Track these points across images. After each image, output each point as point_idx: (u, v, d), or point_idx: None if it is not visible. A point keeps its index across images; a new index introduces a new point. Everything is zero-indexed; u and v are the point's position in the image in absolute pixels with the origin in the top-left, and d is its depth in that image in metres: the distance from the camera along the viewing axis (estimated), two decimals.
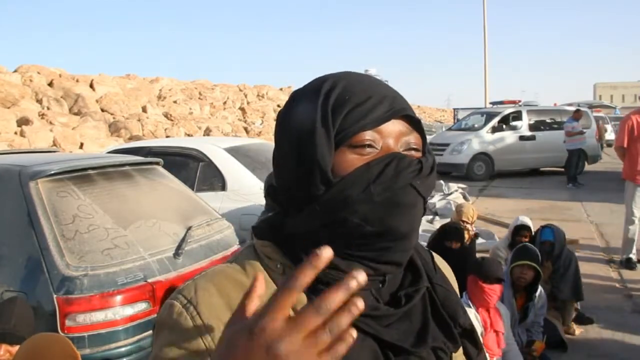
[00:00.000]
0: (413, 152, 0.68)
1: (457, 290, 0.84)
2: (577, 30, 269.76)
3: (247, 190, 4.53)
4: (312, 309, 0.43)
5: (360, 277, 0.44)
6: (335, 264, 0.64)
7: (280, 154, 0.70)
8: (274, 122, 0.74)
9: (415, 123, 0.69)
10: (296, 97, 0.71)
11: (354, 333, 0.60)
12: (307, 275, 0.43)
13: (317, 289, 0.63)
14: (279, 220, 0.70)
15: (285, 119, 0.70)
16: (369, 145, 0.65)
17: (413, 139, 0.68)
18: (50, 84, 15.44)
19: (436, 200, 8.05)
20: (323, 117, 0.65)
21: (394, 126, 0.66)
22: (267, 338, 0.43)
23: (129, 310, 2.39)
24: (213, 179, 4.80)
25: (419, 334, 0.67)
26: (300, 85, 0.74)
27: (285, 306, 0.43)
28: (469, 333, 0.73)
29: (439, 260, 0.84)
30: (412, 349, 0.66)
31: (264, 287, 0.52)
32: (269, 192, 0.73)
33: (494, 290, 2.92)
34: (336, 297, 0.43)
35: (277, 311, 0.43)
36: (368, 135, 0.65)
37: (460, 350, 0.73)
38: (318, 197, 0.65)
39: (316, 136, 0.64)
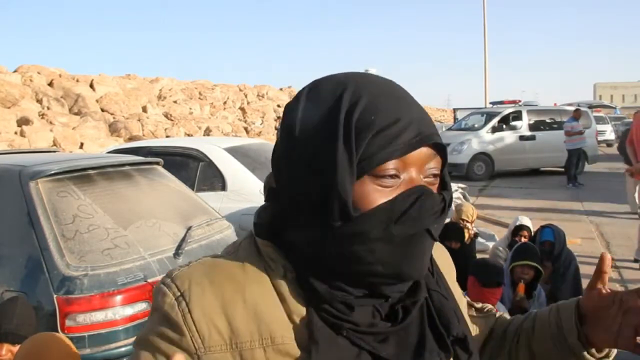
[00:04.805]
0: (432, 179, 0.63)
1: (454, 280, 0.82)
2: (577, 30, 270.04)
3: (247, 190, 4.52)
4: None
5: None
6: (340, 286, 0.63)
7: (284, 155, 0.64)
8: (274, 122, 0.70)
9: (440, 148, 0.63)
10: (311, 97, 0.63)
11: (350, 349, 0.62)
12: None
13: (321, 307, 0.63)
14: (279, 223, 0.66)
15: (296, 119, 0.63)
16: (393, 175, 0.59)
17: (434, 163, 0.63)
18: (50, 84, 15.43)
19: None
20: (346, 139, 0.58)
21: (420, 154, 0.61)
22: None
23: (129, 310, 2.39)
24: (213, 179, 4.79)
25: (416, 348, 0.65)
26: (301, 86, 0.68)
27: None
28: (462, 339, 0.72)
29: (436, 249, 0.78)
30: None
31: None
32: (269, 194, 0.69)
33: (493, 294, 2.93)
34: None
35: None
36: (392, 164, 0.59)
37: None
38: (333, 227, 0.59)
39: (337, 161, 0.57)
